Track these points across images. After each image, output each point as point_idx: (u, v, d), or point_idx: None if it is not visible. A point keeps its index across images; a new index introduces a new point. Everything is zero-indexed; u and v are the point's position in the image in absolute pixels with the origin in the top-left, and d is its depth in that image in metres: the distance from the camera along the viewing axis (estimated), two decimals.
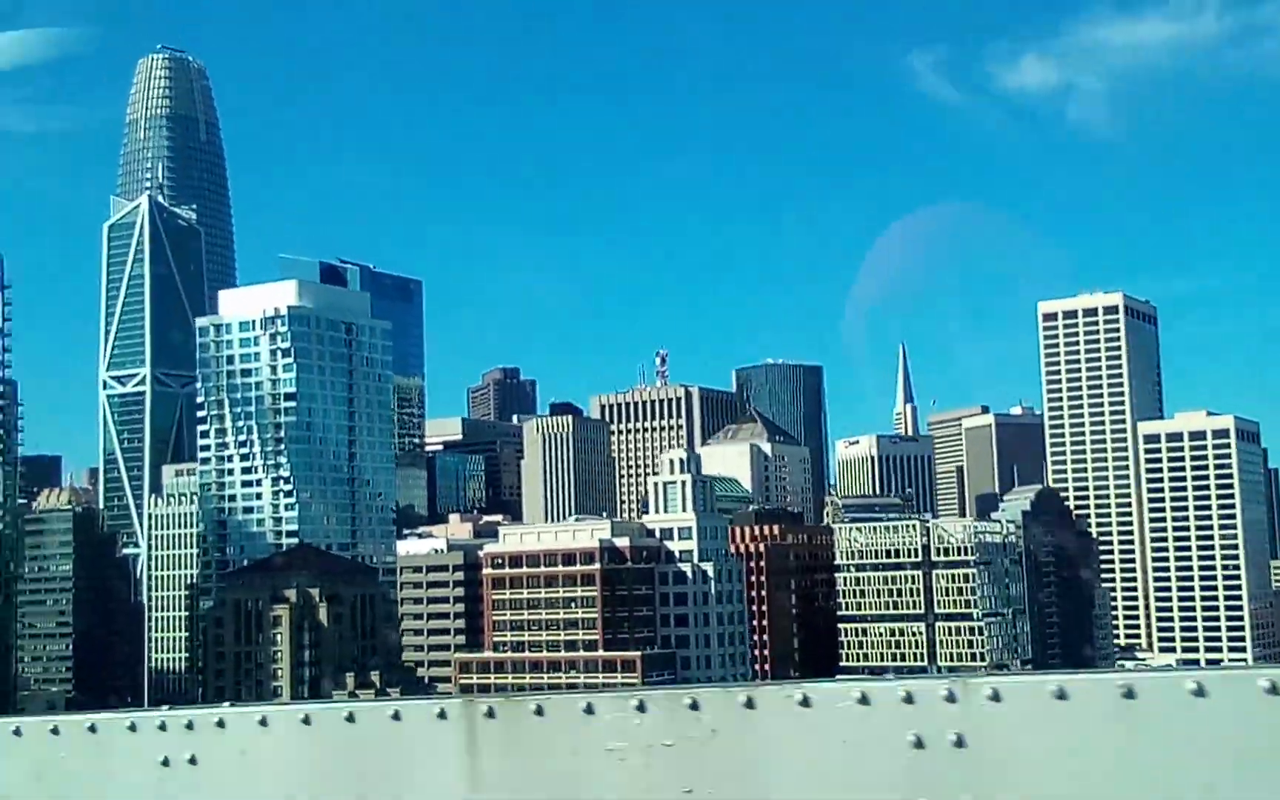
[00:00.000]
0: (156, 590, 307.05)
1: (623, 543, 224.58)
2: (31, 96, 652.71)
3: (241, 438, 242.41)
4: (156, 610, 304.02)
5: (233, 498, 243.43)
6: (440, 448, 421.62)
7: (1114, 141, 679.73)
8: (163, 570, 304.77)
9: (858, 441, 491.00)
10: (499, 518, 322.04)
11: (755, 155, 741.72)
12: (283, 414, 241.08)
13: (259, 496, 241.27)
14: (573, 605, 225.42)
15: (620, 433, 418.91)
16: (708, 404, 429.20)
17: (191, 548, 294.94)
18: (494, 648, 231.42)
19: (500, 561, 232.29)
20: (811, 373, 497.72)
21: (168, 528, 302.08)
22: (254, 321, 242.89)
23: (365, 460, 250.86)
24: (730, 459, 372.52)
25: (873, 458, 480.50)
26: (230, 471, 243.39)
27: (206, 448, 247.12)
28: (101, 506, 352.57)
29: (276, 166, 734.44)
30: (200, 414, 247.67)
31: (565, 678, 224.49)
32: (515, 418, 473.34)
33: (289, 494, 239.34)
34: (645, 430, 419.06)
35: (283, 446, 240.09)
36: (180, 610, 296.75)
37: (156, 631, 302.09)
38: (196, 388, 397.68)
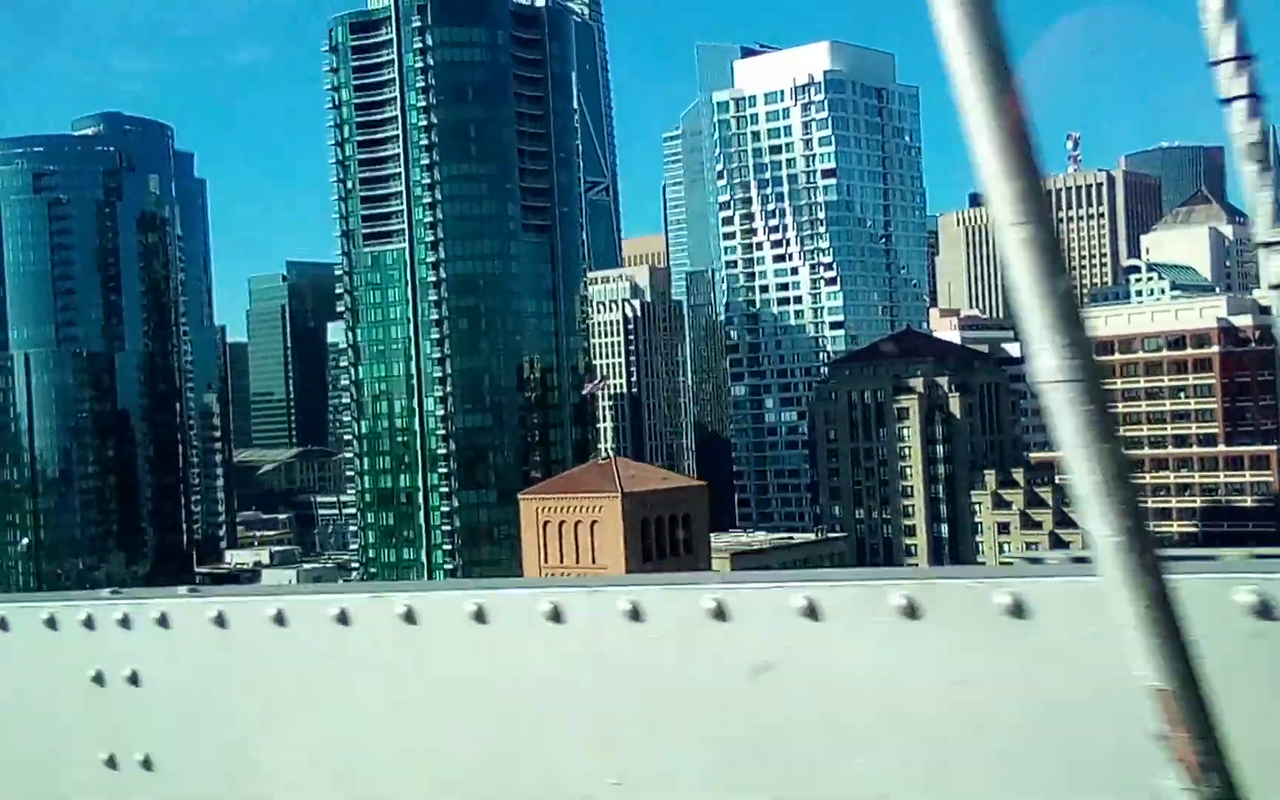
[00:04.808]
0: None
1: (1243, 321, 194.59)
2: None
3: (773, 222, 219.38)
4: None
5: (764, 287, 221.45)
6: None
7: None
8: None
9: None
10: (974, 312, 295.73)
11: None
12: (819, 192, 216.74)
13: (796, 284, 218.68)
14: (1182, 395, 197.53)
15: None
16: (1131, 189, 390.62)
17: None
18: None
19: None
20: (1216, 153, 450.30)
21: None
22: (781, 92, 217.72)
23: (899, 240, 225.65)
24: (1184, 245, 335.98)
25: None
26: (760, 259, 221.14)
27: (730, 234, 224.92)
28: None
29: None
30: (722, 199, 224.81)
31: (1175, 477, 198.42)
32: None
33: (830, 281, 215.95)
34: (1064, 221, 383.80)
35: (822, 229, 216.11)
36: None
37: None
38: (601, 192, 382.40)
